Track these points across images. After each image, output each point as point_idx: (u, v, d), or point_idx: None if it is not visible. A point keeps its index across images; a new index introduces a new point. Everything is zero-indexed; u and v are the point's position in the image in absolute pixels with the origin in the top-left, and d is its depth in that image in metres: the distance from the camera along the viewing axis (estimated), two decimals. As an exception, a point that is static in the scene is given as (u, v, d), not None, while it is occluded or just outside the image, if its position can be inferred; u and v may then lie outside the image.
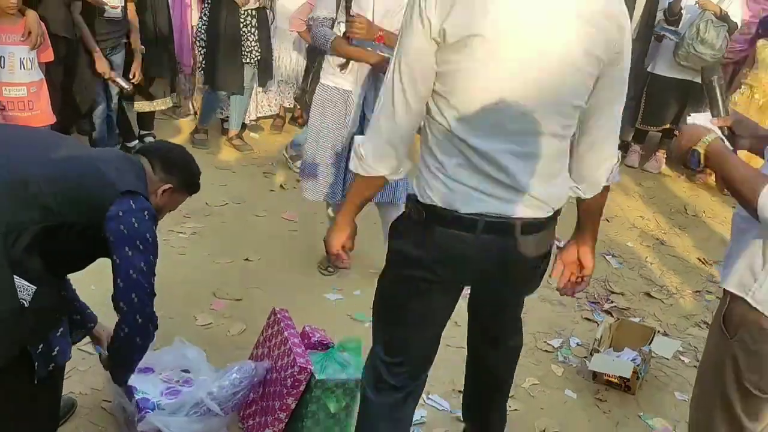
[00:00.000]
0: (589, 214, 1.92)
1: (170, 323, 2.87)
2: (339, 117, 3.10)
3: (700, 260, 4.13)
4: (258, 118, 5.34)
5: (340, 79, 3.06)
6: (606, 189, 1.84)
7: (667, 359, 3.09)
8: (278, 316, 2.89)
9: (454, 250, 1.74)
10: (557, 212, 1.80)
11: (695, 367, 3.06)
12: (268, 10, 4.68)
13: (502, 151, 1.64)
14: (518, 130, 1.62)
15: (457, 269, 1.78)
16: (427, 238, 1.74)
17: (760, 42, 4.96)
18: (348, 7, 2.93)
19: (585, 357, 3.04)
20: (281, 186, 4.43)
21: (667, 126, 5.56)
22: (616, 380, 2.85)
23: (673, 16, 5.12)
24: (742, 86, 5.03)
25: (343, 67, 2.99)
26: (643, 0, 5.32)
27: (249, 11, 4.49)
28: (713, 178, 5.28)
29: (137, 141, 4.48)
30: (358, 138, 1.77)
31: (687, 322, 3.44)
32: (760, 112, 4.95)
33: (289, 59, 5.13)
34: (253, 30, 4.54)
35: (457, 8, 1.52)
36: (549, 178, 1.72)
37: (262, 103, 5.25)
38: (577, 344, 3.13)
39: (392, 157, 1.72)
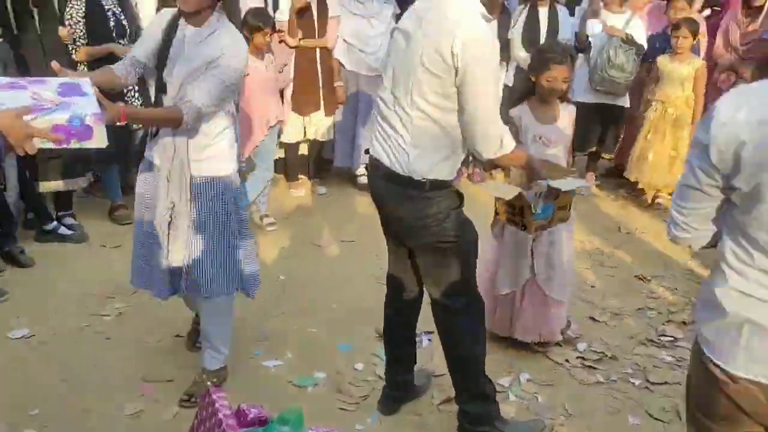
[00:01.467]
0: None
1: (96, 417, 2.70)
2: (150, 193, 2.70)
3: (638, 278, 4.16)
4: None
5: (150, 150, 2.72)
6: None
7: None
8: (212, 397, 2.73)
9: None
10: (422, 185, 2.34)
11: (646, 388, 3.06)
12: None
13: (391, 104, 2.36)
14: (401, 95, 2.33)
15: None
16: None
17: (660, 58, 5.13)
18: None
19: (535, 393, 2.98)
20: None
21: (593, 149, 5.70)
22: (515, 218, 2.81)
23: (582, 44, 5.28)
24: (653, 103, 5.17)
25: (152, 136, 2.68)
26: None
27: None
28: (648, 197, 5.42)
29: (56, 222, 4.29)
30: None
31: (632, 342, 3.43)
32: (675, 125, 5.11)
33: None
34: (133, 99, 4.38)
35: None
36: (407, 145, 2.33)
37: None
38: (528, 380, 3.07)
39: None
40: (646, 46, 5.28)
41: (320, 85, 5.21)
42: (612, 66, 5.20)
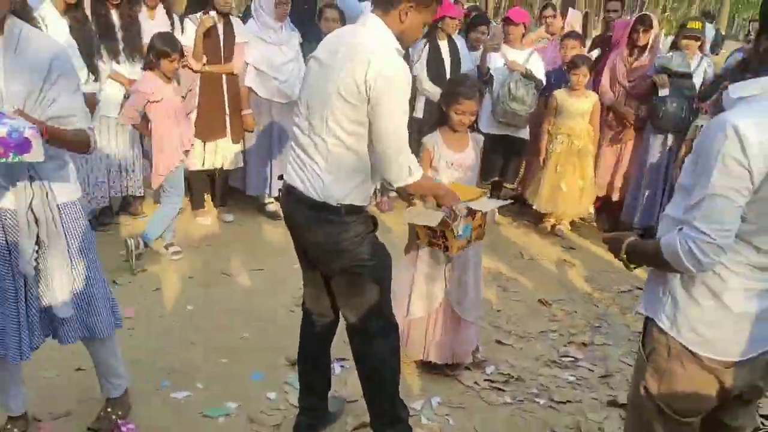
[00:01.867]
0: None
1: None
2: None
3: (540, 302, 4.33)
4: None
5: None
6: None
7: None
8: (122, 430, 2.65)
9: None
10: (337, 210, 2.38)
11: (551, 407, 3.16)
12: None
13: (307, 130, 2.41)
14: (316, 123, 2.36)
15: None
16: None
17: (557, 93, 5.41)
18: None
19: (447, 415, 3.03)
20: (114, 282, 4.12)
21: (496, 178, 5.92)
22: (437, 240, 2.87)
23: (483, 76, 5.51)
24: (559, 136, 5.41)
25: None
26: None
27: None
28: (548, 224, 5.67)
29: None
30: None
31: (537, 364, 3.56)
32: (580, 156, 5.39)
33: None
34: None
35: None
36: (322, 172, 2.37)
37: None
38: (439, 403, 3.12)
39: None
40: (544, 81, 5.58)
41: (226, 111, 5.13)
42: (513, 99, 5.45)
